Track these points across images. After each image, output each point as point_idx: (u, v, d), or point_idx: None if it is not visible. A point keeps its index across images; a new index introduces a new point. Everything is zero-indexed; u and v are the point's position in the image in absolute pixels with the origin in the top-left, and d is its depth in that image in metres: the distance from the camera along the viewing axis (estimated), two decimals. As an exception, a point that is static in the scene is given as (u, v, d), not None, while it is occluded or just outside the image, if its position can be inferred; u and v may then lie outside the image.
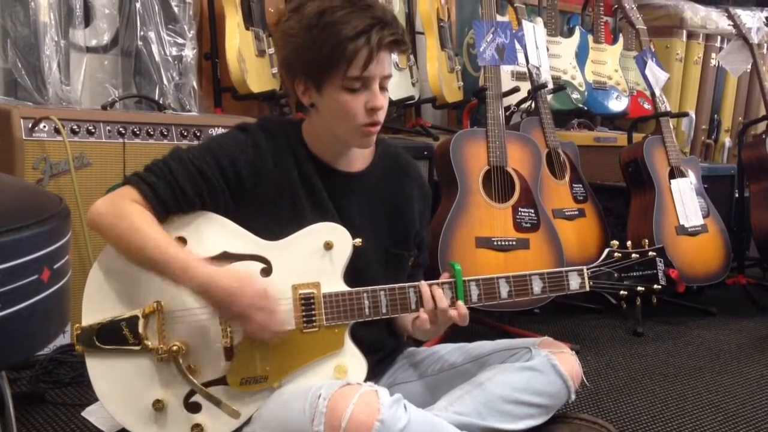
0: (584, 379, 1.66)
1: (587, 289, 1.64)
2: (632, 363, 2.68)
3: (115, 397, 1.46)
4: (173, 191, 1.46)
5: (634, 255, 1.67)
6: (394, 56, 1.62)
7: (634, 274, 1.67)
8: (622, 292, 1.66)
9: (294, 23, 1.47)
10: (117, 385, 1.45)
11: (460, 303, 1.53)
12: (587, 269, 1.64)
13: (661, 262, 1.68)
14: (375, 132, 1.54)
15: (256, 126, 1.58)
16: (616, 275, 1.66)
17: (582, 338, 2.96)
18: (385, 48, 1.46)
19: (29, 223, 1.29)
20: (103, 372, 1.45)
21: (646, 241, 1.71)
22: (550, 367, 1.58)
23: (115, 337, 1.45)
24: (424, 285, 1.53)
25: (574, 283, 1.63)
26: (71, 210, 1.47)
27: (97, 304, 1.46)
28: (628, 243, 1.69)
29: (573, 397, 1.62)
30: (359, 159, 1.64)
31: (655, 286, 1.67)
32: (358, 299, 1.50)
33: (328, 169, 1.60)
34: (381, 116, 1.52)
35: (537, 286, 1.60)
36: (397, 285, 1.53)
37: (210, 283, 1.39)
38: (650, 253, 1.68)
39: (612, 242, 1.68)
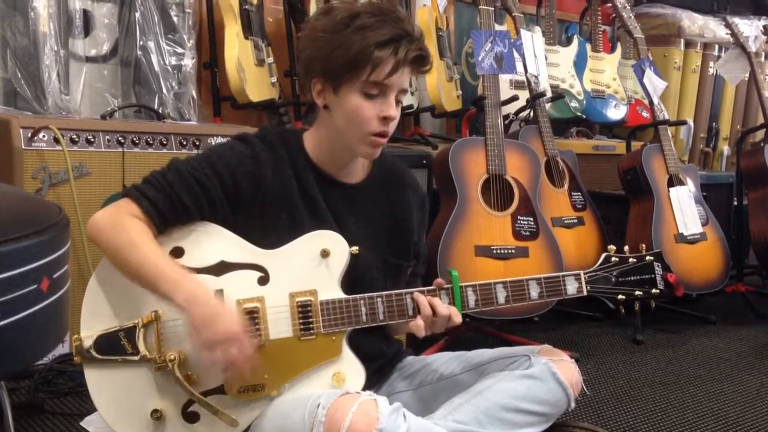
0: (584, 387, 1.65)
1: (585, 293, 1.63)
2: (632, 371, 2.68)
3: (114, 407, 1.46)
4: (173, 205, 1.46)
5: (631, 260, 1.66)
6: None
7: (632, 278, 1.66)
8: (619, 296, 1.65)
9: (324, 23, 1.49)
10: (115, 395, 1.45)
11: (452, 307, 1.54)
12: (584, 274, 1.64)
13: (658, 266, 1.67)
14: (382, 143, 1.54)
15: (255, 136, 1.58)
16: (613, 280, 1.65)
17: (581, 346, 2.96)
18: (410, 62, 1.48)
19: (29, 233, 1.30)
20: (102, 382, 1.45)
21: (644, 245, 1.70)
22: (549, 375, 1.57)
23: (113, 347, 1.44)
24: (421, 296, 1.53)
25: (571, 287, 1.63)
26: (70, 219, 1.47)
27: (96, 315, 1.46)
28: (626, 248, 1.69)
29: (573, 405, 1.61)
30: (359, 171, 1.65)
31: (653, 291, 1.66)
32: (355, 306, 1.50)
33: (327, 179, 1.60)
34: (392, 128, 1.53)
35: (534, 291, 1.60)
36: (394, 291, 1.53)
37: (190, 302, 1.38)
38: (648, 257, 1.67)
39: (609, 247, 1.67)
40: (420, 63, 1.51)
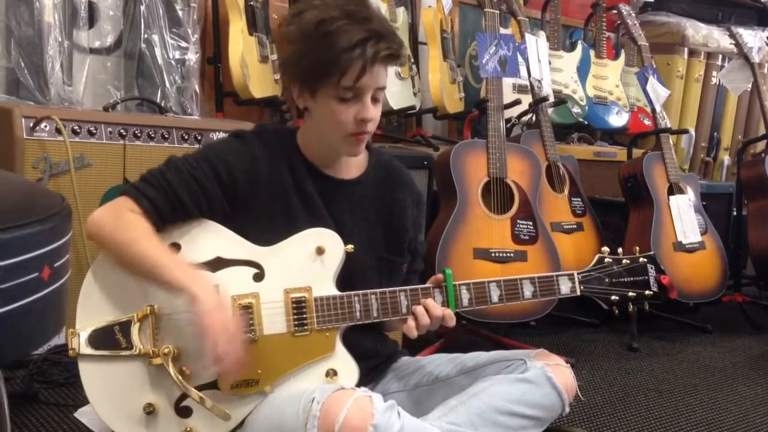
0: (579, 392, 1.65)
1: (578, 293, 1.64)
2: (627, 378, 2.68)
3: (106, 400, 1.46)
4: (172, 204, 1.47)
5: (625, 261, 1.67)
6: (396, 67, 1.62)
7: (625, 279, 1.66)
8: (613, 297, 1.66)
9: (293, 29, 1.49)
10: (108, 388, 1.45)
11: (447, 310, 1.55)
12: (578, 274, 1.64)
13: (652, 268, 1.67)
14: (363, 140, 1.55)
15: (252, 133, 1.60)
16: (607, 280, 1.65)
17: (577, 352, 2.96)
18: (380, 61, 1.46)
19: (32, 221, 1.30)
20: (95, 376, 1.45)
21: (637, 247, 1.71)
22: (545, 379, 1.57)
23: (108, 341, 1.44)
24: (420, 307, 1.53)
25: (564, 287, 1.63)
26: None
27: (92, 309, 1.46)
28: (620, 249, 1.69)
29: (567, 410, 1.61)
30: (353, 167, 1.65)
31: (647, 292, 1.67)
32: (349, 303, 1.50)
33: (321, 175, 1.60)
34: (371, 126, 1.53)
35: (528, 290, 1.61)
36: (388, 289, 1.53)
37: (195, 298, 1.38)
38: (641, 259, 1.67)
39: (603, 248, 1.68)
40: (391, 60, 1.49)
